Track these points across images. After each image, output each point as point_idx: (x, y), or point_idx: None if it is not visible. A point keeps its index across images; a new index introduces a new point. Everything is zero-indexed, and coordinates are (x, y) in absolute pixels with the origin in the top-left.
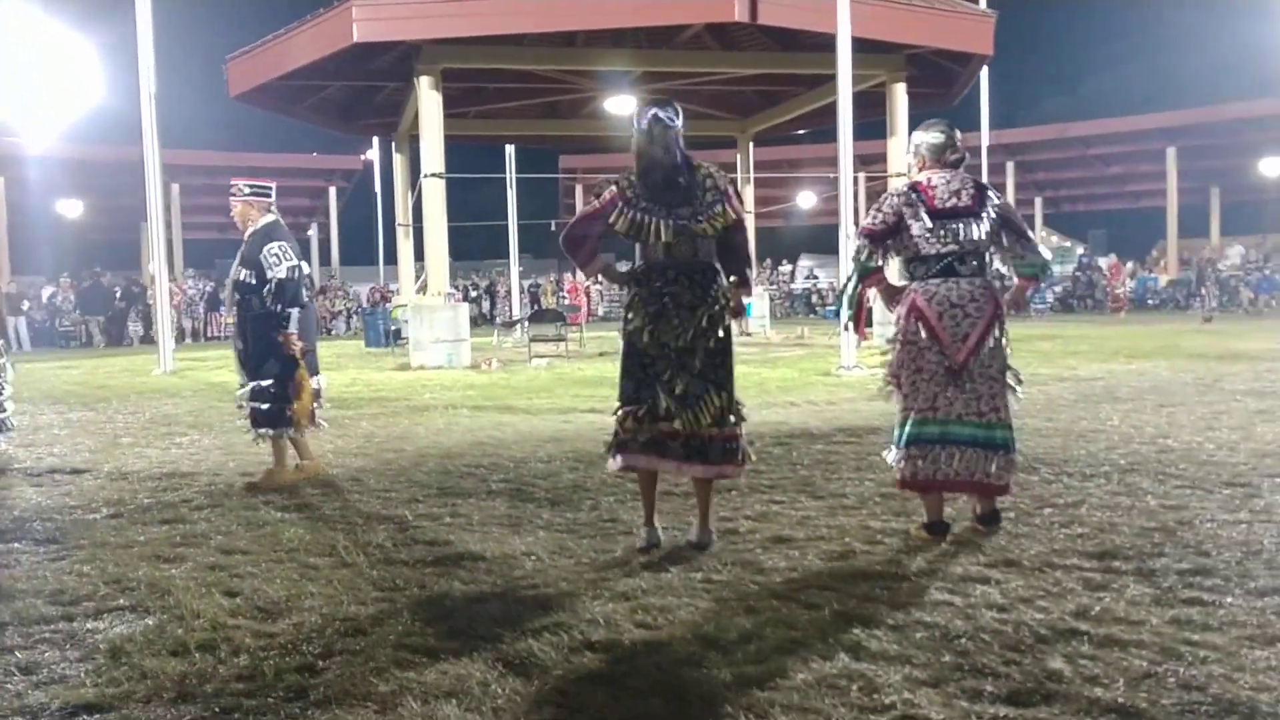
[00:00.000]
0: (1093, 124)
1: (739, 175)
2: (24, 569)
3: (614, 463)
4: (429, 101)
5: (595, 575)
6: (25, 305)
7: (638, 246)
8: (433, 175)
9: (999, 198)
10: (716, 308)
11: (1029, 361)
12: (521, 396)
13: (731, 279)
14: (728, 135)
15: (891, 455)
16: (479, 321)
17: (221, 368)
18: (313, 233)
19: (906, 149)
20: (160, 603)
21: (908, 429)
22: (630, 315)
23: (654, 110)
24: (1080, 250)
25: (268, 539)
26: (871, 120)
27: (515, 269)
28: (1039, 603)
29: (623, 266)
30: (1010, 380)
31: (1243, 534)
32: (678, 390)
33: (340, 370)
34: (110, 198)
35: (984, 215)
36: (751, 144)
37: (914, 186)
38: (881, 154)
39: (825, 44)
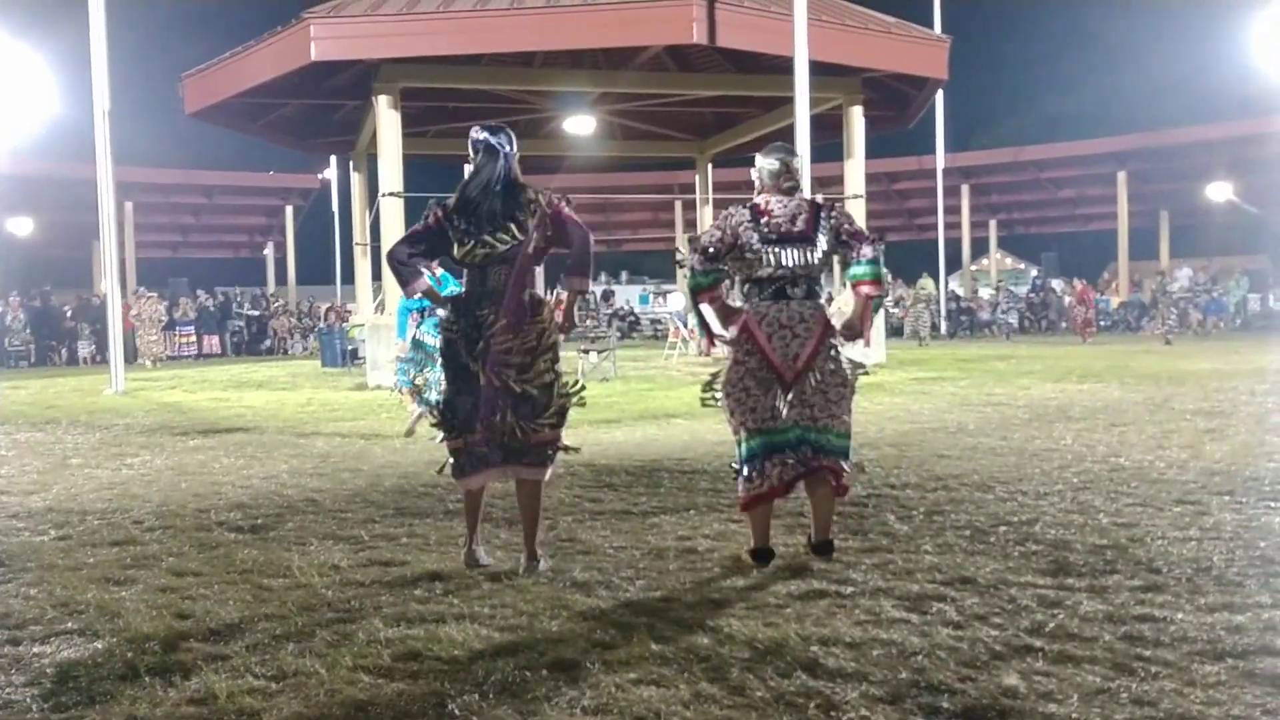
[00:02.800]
0: (1046, 148)
1: (698, 196)
2: None
3: (463, 479)
4: (387, 120)
5: (554, 595)
6: None
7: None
8: (391, 194)
9: (832, 210)
10: (531, 331)
11: (983, 382)
12: None
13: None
14: (687, 156)
15: (740, 481)
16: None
17: (174, 387)
18: (269, 252)
19: (751, 173)
20: (110, 626)
21: (747, 444)
22: (447, 336)
23: (484, 135)
24: (1034, 272)
25: (220, 560)
26: (829, 142)
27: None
28: (994, 620)
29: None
30: (845, 395)
31: (1193, 551)
32: (493, 417)
33: (296, 390)
34: (61, 215)
35: (818, 239)
36: (710, 165)
37: (754, 208)
38: (839, 175)
39: (783, 67)
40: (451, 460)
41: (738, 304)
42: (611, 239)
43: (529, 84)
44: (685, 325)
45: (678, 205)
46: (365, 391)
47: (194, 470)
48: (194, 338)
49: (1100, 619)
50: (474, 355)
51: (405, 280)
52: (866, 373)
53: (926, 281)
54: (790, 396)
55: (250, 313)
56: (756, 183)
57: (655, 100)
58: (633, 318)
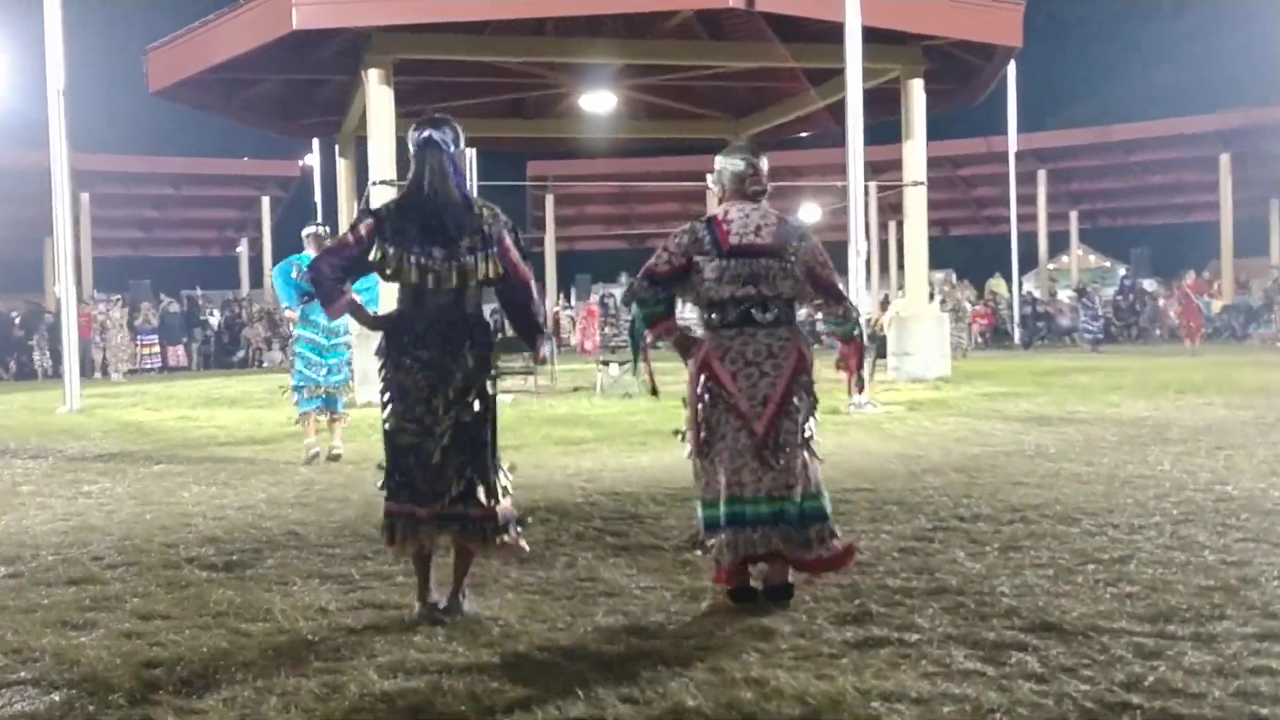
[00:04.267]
0: (1136, 126)
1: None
2: None
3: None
4: (379, 98)
5: (573, 642)
6: None
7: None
8: (382, 182)
9: (805, 239)
10: (472, 370)
11: (1064, 398)
12: None
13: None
14: (719, 138)
15: (705, 541)
16: None
17: (136, 405)
18: (242, 249)
19: (713, 170)
20: (68, 675)
21: (722, 509)
22: (380, 371)
23: (427, 131)
24: (1122, 271)
25: (192, 602)
26: (884, 121)
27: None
28: (1084, 672)
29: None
30: (810, 445)
31: None
32: (429, 462)
33: (273, 408)
34: (7, 209)
35: (787, 252)
36: None
37: (709, 220)
38: (896, 160)
39: (832, 34)
40: (388, 524)
41: (698, 334)
42: (634, 233)
43: (540, 55)
44: None
45: (710, 194)
46: (353, 409)
47: (160, 499)
48: (157, 348)
49: (1208, 672)
50: (434, 397)
51: (327, 299)
52: (859, 408)
53: (998, 282)
54: (764, 455)
55: (213, 319)
56: (717, 190)
57: (685, 74)
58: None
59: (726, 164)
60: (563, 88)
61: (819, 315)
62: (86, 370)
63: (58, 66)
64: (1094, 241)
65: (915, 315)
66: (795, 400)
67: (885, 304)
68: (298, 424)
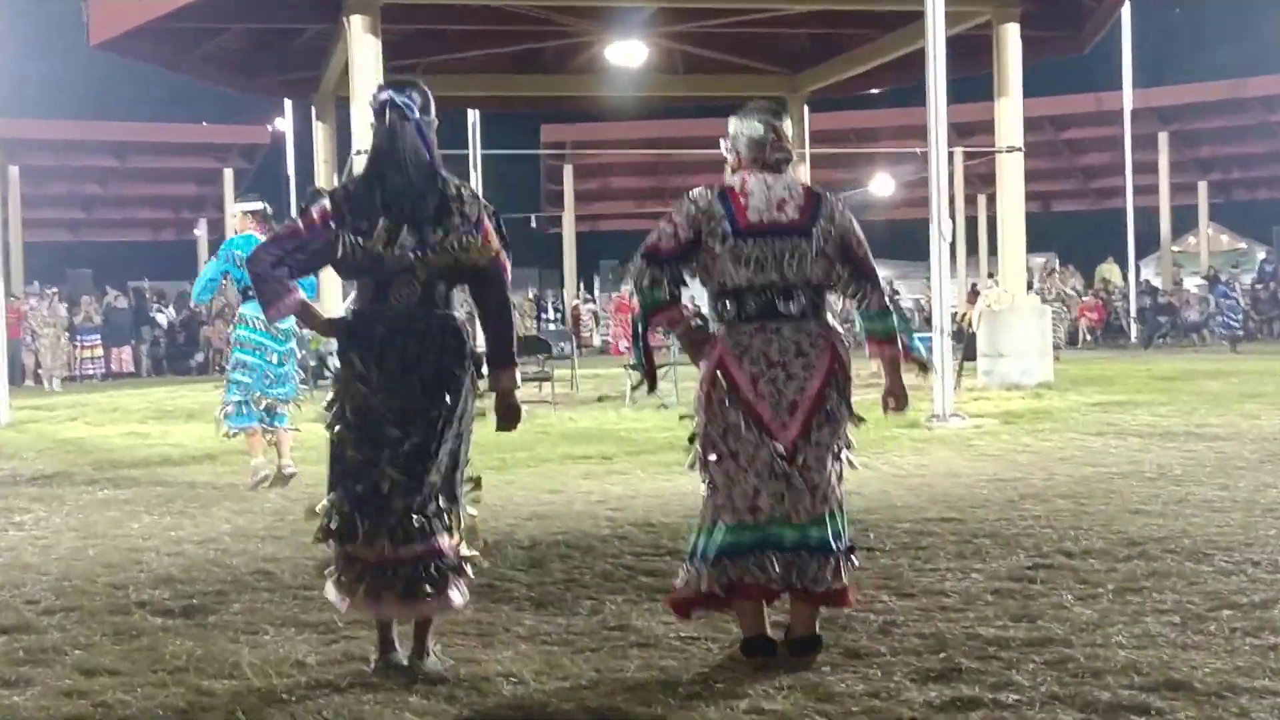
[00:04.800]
0: (1278, 79)
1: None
2: None
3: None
4: (363, 50)
5: (600, 703)
6: None
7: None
8: (363, 153)
9: (839, 213)
10: (442, 379)
11: (1192, 408)
12: (492, 457)
13: (489, 355)
14: (774, 95)
15: (684, 571)
16: None
17: (75, 418)
18: (201, 232)
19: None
20: None
21: (719, 537)
22: (333, 382)
23: (388, 93)
24: (1262, 254)
25: (144, 654)
26: (972, 77)
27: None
28: None
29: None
30: (844, 456)
31: None
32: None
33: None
34: None
35: (816, 232)
36: (806, 108)
37: (723, 192)
38: (986, 121)
39: None
40: (333, 571)
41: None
42: (668, 210)
43: None
44: None
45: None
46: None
47: (105, 532)
48: (100, 351)
49: None
50: (395, 415)
51: (269, 298)
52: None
53: (1110, 268)
54: (788, 473)
55: (166, 316)
56: (731, 158)
57: (731, 19)
58: (699, 320)
59: (742, 127)
60: (584, 37)
61: (854, 308)
62: (16, 377)
63: None
64: (1227, 218)
65: (1011, 308)
66: (829, 407)
67: (974, 295)
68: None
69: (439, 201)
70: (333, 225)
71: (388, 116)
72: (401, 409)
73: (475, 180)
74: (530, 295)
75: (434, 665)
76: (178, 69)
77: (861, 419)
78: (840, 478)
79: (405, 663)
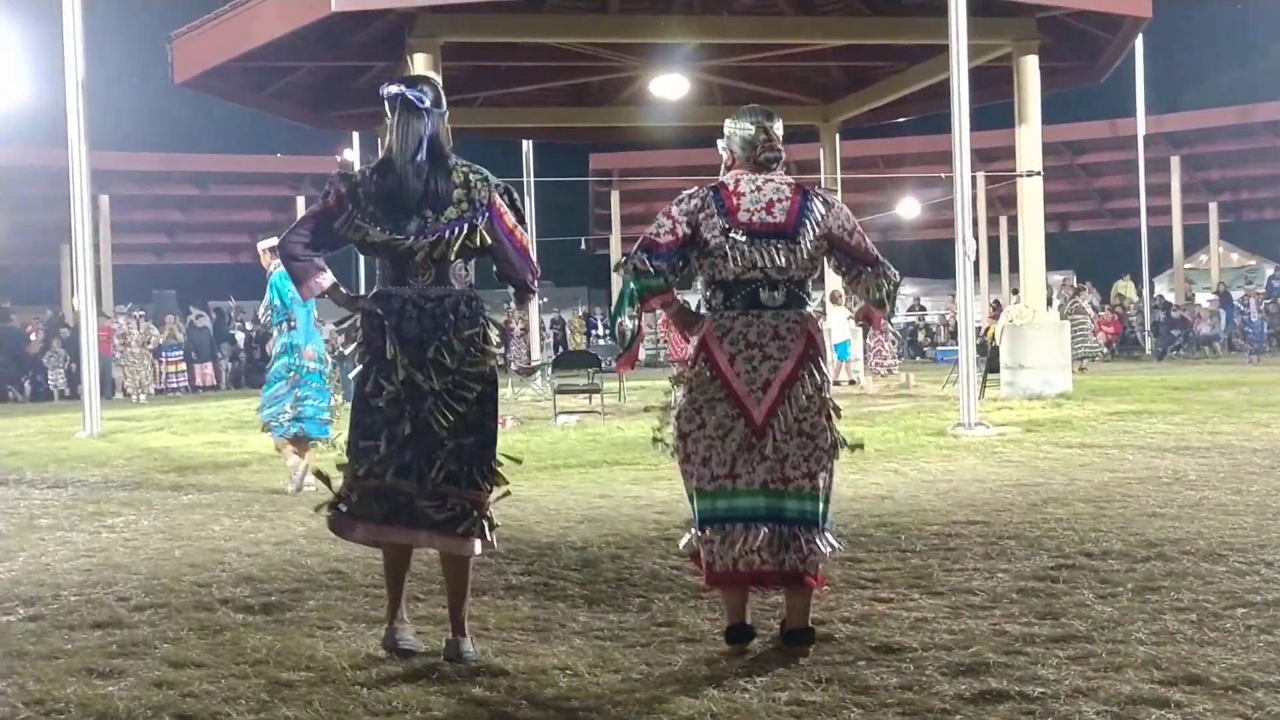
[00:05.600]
0: None
1: (823, 175)
2: None
3: (352, 532)
4: None
5: (650, 695)
6: None
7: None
8: None
9: (829, 208)
10: (460, 349)
11: (1205, 417)
12: (544, 464)
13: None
14: (807, 125)
15: (684, 540)
16: None
17: (161, 429)
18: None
19: (720, 141)
20: None
21: (699, 504)
22: (355, 354)
23: (400, 87)
24: (1270, 271)
25: (228, 648)
26: (994, 104)
27: (535, 300)
28: None
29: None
30: (826, 443)
31: None
32: (399, 442)
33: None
34: (23, 215)
35: (801, 235)
36: (838, 136)
37: (717, 190)
38: (1008, 147)
39: (934, 6)
40: (340, 505)
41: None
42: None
43: (603, 36)
44: None
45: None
46: None
47: (190, 534)
48: (183, 366)
49: None
50: (413, 380)
51: (300, 277)
52: (851, 448)
53: (1126, 285)
54: (759, 445)
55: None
56: (725, 156)
57: (767, 54)
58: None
59: (735, 128)
60: (629, 71)
61: (856, 289)
62: (107, 391)
63: (77, 56)
64: (1237, 237)
65: (1032, 322)
66: (801, 386)
67: (997, 310)
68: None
69: (446, 187)
70: (349, 207)
71: (399, 111)
72: (418, 379)
73: (529, 205)
74: (580, 313)
75: (469, 650)
76: (254, 105)
77: (838, 410)
78: (826, 467)
79: (415, 643)
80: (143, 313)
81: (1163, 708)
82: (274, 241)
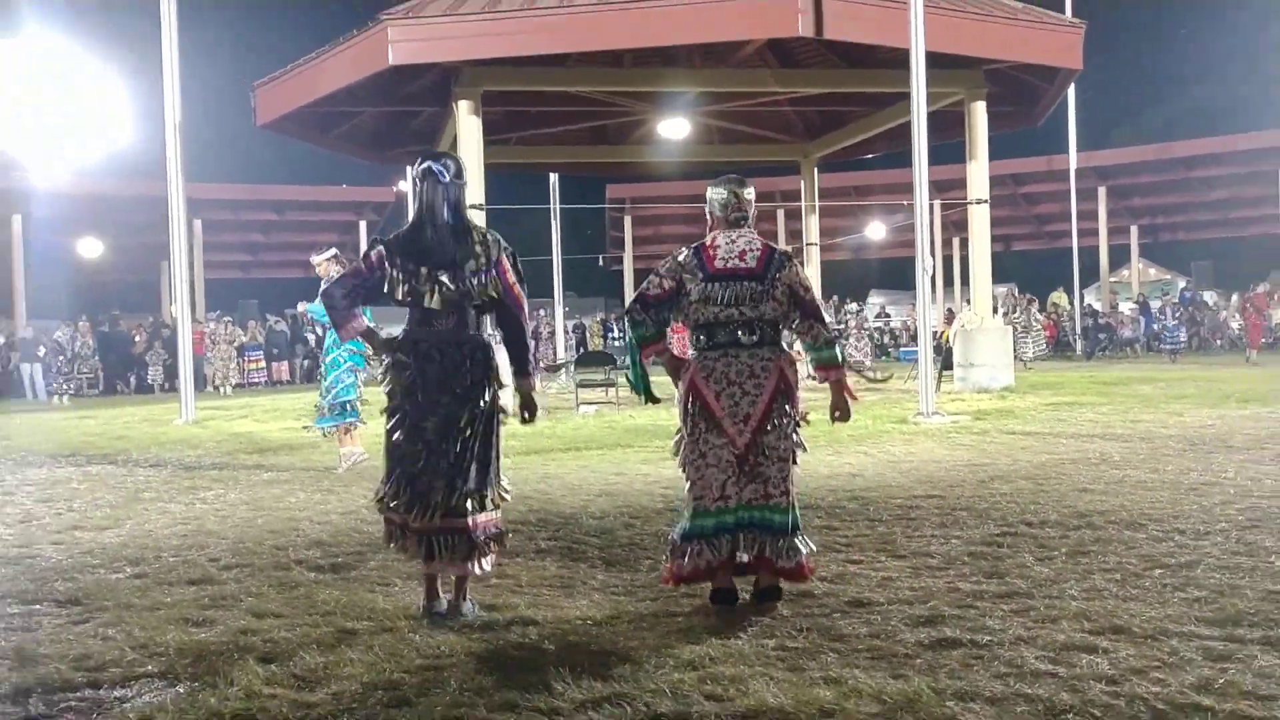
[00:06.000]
0: (1196, 143)
1: (803, 203)
2: (46, 632)
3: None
4: (468, 127)
5: (658, 642)
6: (41, 351)
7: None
8: (472, 206)
9: (789, 263)
10: (473, 388)
11: (1128, 407)
12: (568, 447)
13: (512, 367)
14: (790, 160)
15: (679, 545)
16: None
17: (245, 417)
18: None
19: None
20: (191, 669)
21: (687, 523)
22: (386, 389)
23: (427, 163)
24: (1182, 284)
25: (302, 601)
26: (948, 142)
27: (560, 308)
28: (1154, 674)
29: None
30: (794, 461)
31: None
32: (423, 473)
33: (372, 418)
34: (129, 236)
35: (769, 278)
36: (816, 169)
37: (698, 248)
38: (959, 179)
39: (897, 60)
40: (392, 536)
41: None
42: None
43: (619, 85)
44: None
45: (780, 214)
46: None
47: (269, 505)
48: (263, 364)
49: (1279, 675)
50: (437, 411)
51: (340, 322)
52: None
53: (1060, 295)
54: (745, 469)
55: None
56: (708, 219)
57: (756, 100)
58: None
59: (714, 194)
60: (640, 115)
61: (799, 341)
62: (199, 385)
63: (174, 103)
64: (1154, 255)
65: (980, 328)
66: (775, 418)
67: (950, 317)
68: (327, 436)
69: (465, 248)
70: (386, 266)
71: (424, 180)
72: (441, 412)
73: (555, 228)
74: (599, 318)
75: (469, 610)
76: (323, 144)
77: (807, 418)
78: (793, 480)
79: (444, 610)
80: (229, 319)
81: (1092, 653)
82: (328, 254)
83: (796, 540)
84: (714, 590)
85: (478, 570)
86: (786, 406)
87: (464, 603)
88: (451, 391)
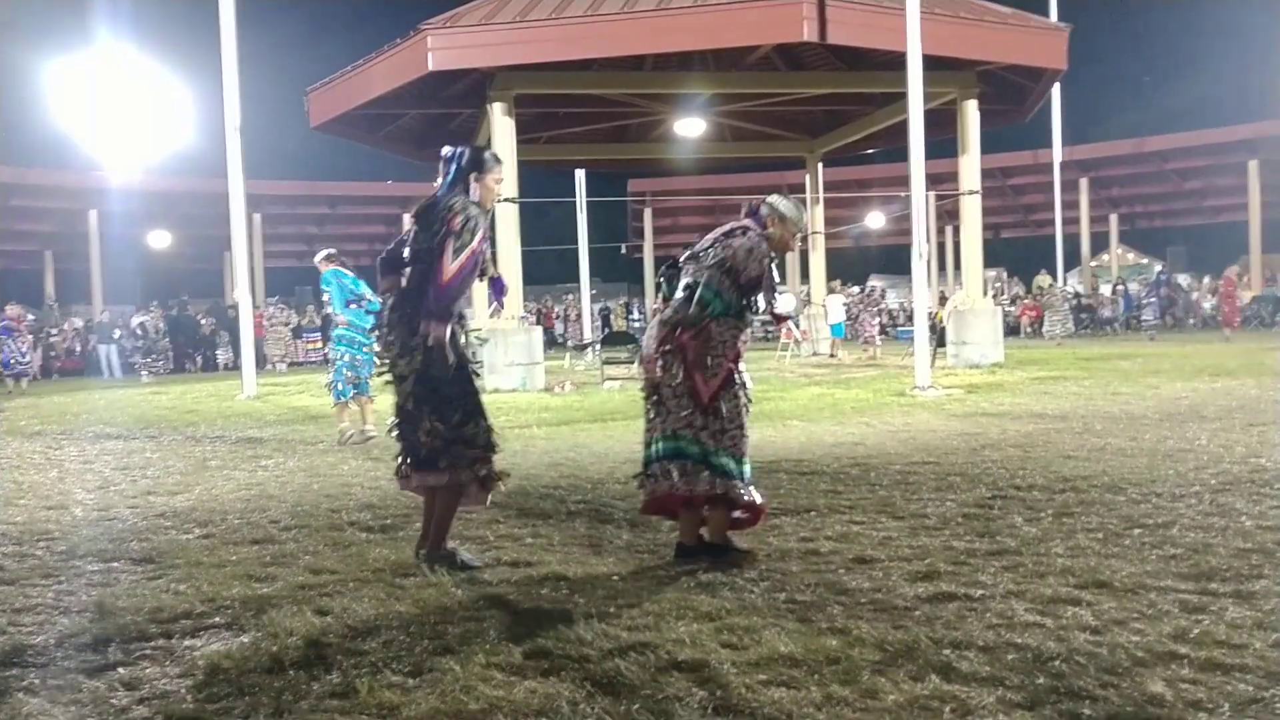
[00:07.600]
0: (1170, 138)
1: (808, 195)
2: (124, 587)
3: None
4: (501, 127)
5: (678, 595)
6: (116, 334)
7: None
8: (506, 200)
9: (726, 249)
10: (413, 345)
11: (1108, 381)
12: (595, 418)
13: None
14: (796, 156)
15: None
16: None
17: (302, 392)
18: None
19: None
20: (254, 621)
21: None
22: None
23: (445, 150)
24: (1158, 267)
25: (354, 559)
26: (942, 139)
27: (586, 292)
28: (1134, 625)
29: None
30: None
31: None
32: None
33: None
34: (195, 229)
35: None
36: (820, 164)
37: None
38: (952, 173)
39: (895, 62)
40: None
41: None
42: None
43: (640, 87)
44: (798, 327)
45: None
46: (483, 395)
47: (325, 472)
48: (319, 344)
49: (1249, 625)
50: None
51: (385, 273)
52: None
53: (1045, 279)
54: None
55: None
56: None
57: (765, 100)
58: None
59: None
60: (659, 115)
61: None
62: (260, 363)
63: (234, 107)
64: (1132, 241)
65: (972, 309)
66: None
67: (944, 299)
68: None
69: (435, 215)
70: (411, 233)
71: (440, 165)
72: (398, 374)
73: (581, 221)
74: (621, 302)
75: (463, 557)
76: (371, 143)
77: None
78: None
79: (469, 558)
80: (286, 304)
81: (1076, 606)
82: (328, 252)
83: (701, 472)
84: (677, 545)
85: (431, 480)
86: (678, 362)
87: (446, 548)
88: (402, 352)
